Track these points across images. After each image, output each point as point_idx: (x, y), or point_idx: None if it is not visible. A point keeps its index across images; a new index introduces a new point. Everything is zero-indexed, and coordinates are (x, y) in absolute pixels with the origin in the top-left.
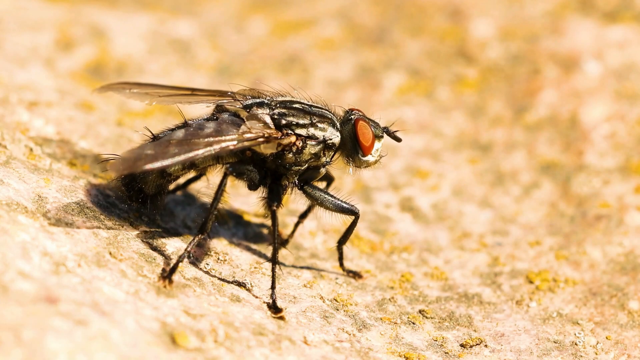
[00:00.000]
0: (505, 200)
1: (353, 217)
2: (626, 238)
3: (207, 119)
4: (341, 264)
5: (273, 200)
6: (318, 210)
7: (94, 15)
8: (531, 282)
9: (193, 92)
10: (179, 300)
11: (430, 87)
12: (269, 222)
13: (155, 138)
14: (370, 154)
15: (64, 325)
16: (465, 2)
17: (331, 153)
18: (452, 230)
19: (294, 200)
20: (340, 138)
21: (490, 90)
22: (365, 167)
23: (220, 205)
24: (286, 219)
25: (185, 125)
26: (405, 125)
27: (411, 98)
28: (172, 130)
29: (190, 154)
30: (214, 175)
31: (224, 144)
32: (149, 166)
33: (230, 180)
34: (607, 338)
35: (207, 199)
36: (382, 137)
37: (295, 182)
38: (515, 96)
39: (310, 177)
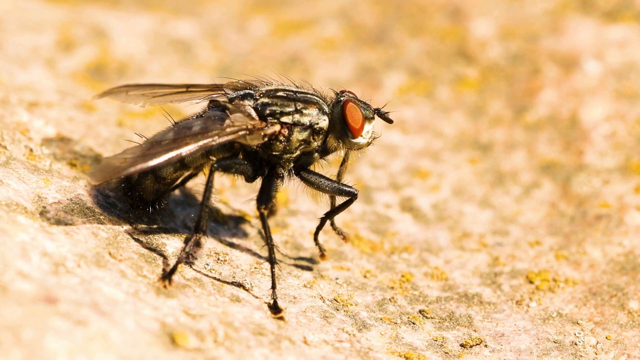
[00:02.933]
0: (505, 200)
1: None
2: (626, 238)
3: (196, 117)
4: (316, 234)
5: (261, 201)
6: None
7: (95, 16)
8: (531, 282)
9: (188, 89)
10: (179, 300)
11: (430, 87)
12: (268, 222)
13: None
14: (361, 136)
15: (63, 326)
16: (465, 2)
17: (321, 137)
18: (452, 230)
19: (295, 201)
20: (330, 121)
21: (490, 90)
22: (357, 149)
23: (217, 204)
24: (286, 219)
25: (175, 125)
26: (406, 125)
27: (411, 98)
28: (164, 132)
29: (173, 154)
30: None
31: (206, 140)
32: (131, 170)
33: (230, 179)
34: (607, 338)
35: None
36: (373, 118)
37: (291, 169)
38: (515, 96)
39: (305, 163)
